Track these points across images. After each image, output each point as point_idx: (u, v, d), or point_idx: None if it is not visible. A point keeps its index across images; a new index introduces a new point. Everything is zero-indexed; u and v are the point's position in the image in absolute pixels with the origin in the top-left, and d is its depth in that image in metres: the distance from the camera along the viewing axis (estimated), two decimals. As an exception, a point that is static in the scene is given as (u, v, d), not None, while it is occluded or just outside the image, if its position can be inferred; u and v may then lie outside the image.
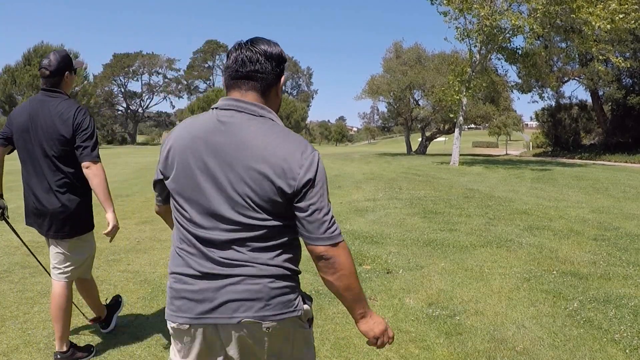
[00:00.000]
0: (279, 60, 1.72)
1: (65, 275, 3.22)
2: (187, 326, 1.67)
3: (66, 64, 3.14)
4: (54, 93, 3.09)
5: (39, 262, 3.75)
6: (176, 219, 1.73)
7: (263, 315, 1.62)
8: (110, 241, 3.34)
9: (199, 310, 1.64)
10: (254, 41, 1.71)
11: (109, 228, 3.15)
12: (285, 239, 1.67)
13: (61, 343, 3.19)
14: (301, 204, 1.60)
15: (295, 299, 1.70)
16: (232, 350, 1.70)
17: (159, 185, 1.80)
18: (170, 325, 1.72)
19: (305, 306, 1.75)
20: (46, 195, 3.06)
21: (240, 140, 1.61)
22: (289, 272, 1.68)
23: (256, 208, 1.61)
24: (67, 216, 3.09)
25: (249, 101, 1.68)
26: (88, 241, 3.30)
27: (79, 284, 3.43)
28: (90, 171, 3.05)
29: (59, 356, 3.18)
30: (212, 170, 1.62)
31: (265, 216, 1.61)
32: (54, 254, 3.22)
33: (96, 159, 3.06)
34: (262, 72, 1.69)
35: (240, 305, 1.62)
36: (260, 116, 1.67)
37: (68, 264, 3.21)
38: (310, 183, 1.60)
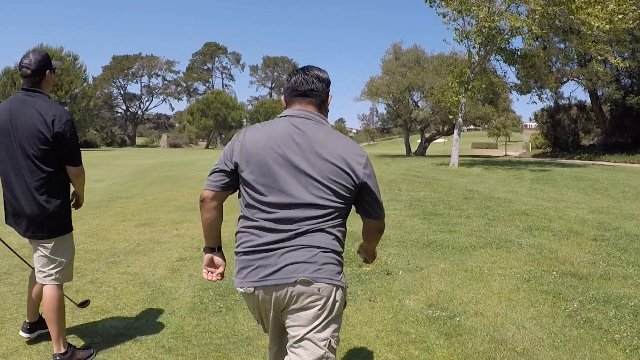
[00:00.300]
0: (327, 83, 2.25)
1: (51, 277, 3.20)
2: (252, 289, 2.07)
3: (47, 63, 3.15)
4: (35, 93, 3.09)
5: (26, 262, 3.71)
6: (249, 203, 2.11)
7: (316, 276, 2.02)
8: (75, 208, 3.46)
9: (262, 274, 2.04)
10: (308, 68, 2.24)
11: (79, 204, 3.44)
12: (342, 219, 2.14)
13: (58, 345, 3.20)
14: (371, 193, 2.13)
15: (341, 273, 2.12)
16: (286, 312, 2.09)
17: (222, 174, 2.15)
18: (239, 290, 2.12)
19: (345, 285, 2.15)
20: (24, 196, 3.06)
21: (315, 140, 2.08)
22: (339, 248, 2.12)
23: (329, 192, 2.06)
24: (45, 217, 3.09)
25: (313, 111, 2.18)
26: (69, 242, 3.30)
27: (33, 282, 3.40)
28: (75, 176, 3.22)
29: (57, 358, 3.18)
30: (293, 162, 2.05)
31: (334, 198, 2.07)
32: (37, 257, 3.21)
33: (81, 164, 3.22)
34: (316, 91, 2.20)
35: (297, 267, 2.01)
36: (322, 123, 2.16)
37: (52, 266, 3.20)
38: (371, 177, 2.12)
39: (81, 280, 4.91)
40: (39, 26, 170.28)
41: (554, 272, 5.18)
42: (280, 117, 2.18)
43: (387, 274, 5.11)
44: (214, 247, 2.30)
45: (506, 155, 49.17)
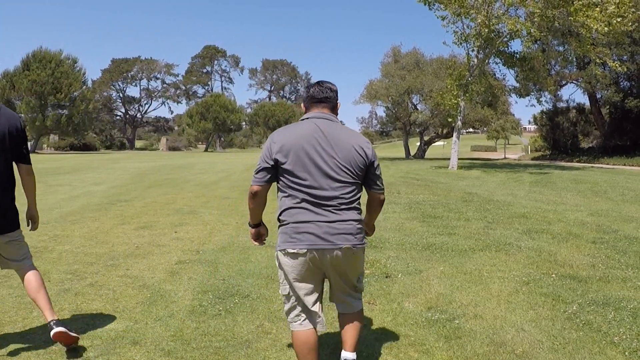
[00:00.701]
0: (336, 93, 2.99)
1: (30, 258, 3.57)
2: (305, 250, 2.71)
3: None
4: None
5: None
6: (293, 187, 2.74)
7: (354, 244, 2.78)
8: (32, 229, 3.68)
9: (316, 240, 2.70)
10: (322, 82, 2.98)
11: (36, 225, 3.64)
12: (359, 195, 2.87)
13: (52, 312, 3.38)
14: (375, 171, 2.89)
15: (364, 238, 2.91)
16: (329, 269, 2.81)
17: (265, 171, 2.78)
18: (290, 250, 2.73)
19: (366, 244, 2.96)
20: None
21: (334, 134, 2.80)
22: (361, 219, 2.88)
23: (349, 172, 2.77)
24: (14, 209, 3.42)
25: (328, 113, 2.91)
26: None
27: None
28: (27, 173, 3.46)
29: (54, 322, 3.30)
30: (321, 153, 2.74)
31: (354, 177, 2.80)
32: (16, 250, 3.47)
33: (30, 163, 3.51)
34: (329, 98, 2.93)
35: (340, 237, 2.73)
36: (336, 122, 2.90)
37: (26, 248, 3.57)
38: (376, 157, 2.90)
39: (80, 283, 4.91)
40: (38, 28, 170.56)
41: (553, 275, 5.18)
42: (304, 119, 2.90)
43: (386, 277, 5.11)
44: (259, 222, 3.05)
45: (505, 158, 49.22)
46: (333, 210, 2.72)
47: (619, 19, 18.88)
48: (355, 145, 2.79)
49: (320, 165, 2.72)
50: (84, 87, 54.27)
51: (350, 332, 3.00)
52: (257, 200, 2.85)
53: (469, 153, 63.59)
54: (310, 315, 2.86)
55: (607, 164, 30.78)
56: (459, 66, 25.66)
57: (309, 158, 2.72)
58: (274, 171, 2.78)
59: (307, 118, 2.87)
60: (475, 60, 22.58)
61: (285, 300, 2.91)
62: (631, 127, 34.12)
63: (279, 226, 2.82)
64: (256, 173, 2.80)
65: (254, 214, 2.98)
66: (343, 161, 2.75)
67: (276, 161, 2.74)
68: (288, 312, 2.90)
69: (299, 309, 2.86)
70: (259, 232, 3.08)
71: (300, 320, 2.85)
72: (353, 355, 2.96)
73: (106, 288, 4.77)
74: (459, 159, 24.21)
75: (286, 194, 2.77)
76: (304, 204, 2.72)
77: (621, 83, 34.88)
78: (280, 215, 2.81)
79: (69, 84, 50.39)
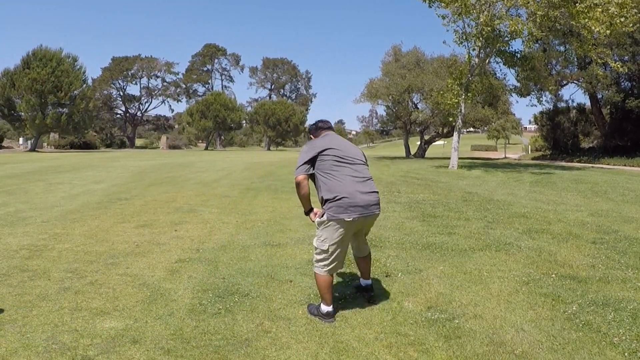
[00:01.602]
0: (331, 124, 4.44)
1: None
2: (357, 218, 3.84)
3: None
4: None
5: None
6: (340, 171, 3.91)
7: (379, 211, 4.04)
8: None
9: (360, 210, 3.85)
10: (321, 119, 4.37)
11: None
12: None
13: None
14: (367, 166, 4.25)
15: None
16: (365, 224, 4.07)
17: (307, 164, 3.91)
18: (346, 219, 3.81)
19: None
20: None
21: (348, 143, 4.22)
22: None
23: (365, 162, 4.20)
24: None
25: (335, 133, 4.30)
26: None
27: None
28: None
29: None
30: (348, 148, 4.12)
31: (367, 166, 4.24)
32: None
33: None
34: (331, 127, 4.39)
35: (376, 206, 3.99)
36: (342, 137, 4.25)
37: None
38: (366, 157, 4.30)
39: (80, 281, 4.91)
40: (38, 27, 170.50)
41: (553, 275, 5.18)
42: (324, 136, 4.19)
43: (386, 276, 5.11)
44: (311, 207, 4.14)
45: (505, 157, 49.24)
46: (368, 185, 3.97)
47: (621, 19, 18.80)
48: (360, 149, 4.25)
49: (355, 155, 4.06)
50: (84, 85, 54.15)
51: (366, 266, 4.43)
52: (304, 189, 3.90)
53: (470, 152, 63.63)
54: (336, 266, 3.97)
55: (608, 164, 30.77)
56: (460, 65, 25.62)
57: (345, 152, 4.01)
58: (313, 164, 3.92)
59: (327, 135, 4.21)
60: (476, 59, 22.53)
61: (321, 253, 3.92)
62: (632, 128, 34.09)
63: (330, 201, 3.82)
64: (299, 167, 3.87)
65: (305, 201, 4.04)
66: (361, 157, 4.14)
67: (322, 151, 3.92)
68: (320, 262, 3.94)
69: (329, 261, 3.91)
70: (316, 213, 4.10)
71: (326, 269, 3.92)
72: (369, 281, 4.43)
73: (106, 286, 4.77)
74: (459, 158, 24.20)
75: (333, 177, 3.87)
76: (349, 180, 3.88)
77: (622, 83, 34.84)
78: (327, 195, 3.84)
79: (69, 83, 50.35)
